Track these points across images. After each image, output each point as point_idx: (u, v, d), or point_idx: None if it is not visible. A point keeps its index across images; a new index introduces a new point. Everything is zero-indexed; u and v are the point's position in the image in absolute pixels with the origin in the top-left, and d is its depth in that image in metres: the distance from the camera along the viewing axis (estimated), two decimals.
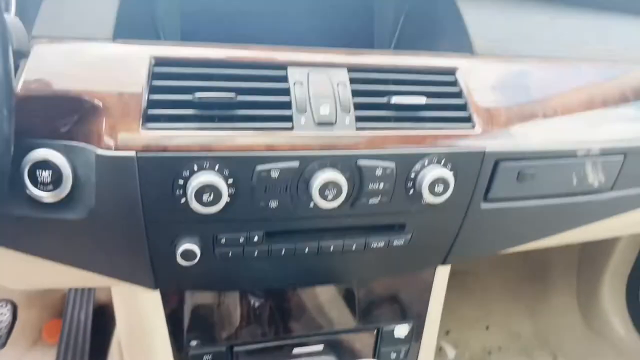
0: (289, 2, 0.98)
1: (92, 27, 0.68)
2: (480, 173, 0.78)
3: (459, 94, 0.79)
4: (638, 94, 0.93)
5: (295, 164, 0.68)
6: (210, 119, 0.67)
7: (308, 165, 0.69)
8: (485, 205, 0.82)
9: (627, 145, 0.87)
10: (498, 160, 0.79)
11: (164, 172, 0.64)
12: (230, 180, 0.67)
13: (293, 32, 0.99)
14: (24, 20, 0.69)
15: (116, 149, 0.62)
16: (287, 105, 0.70)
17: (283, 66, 0.72)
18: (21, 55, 0.56)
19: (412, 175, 0.74)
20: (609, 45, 0.95)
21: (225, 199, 0.65)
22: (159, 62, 0.68)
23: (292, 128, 0.69)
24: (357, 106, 0.73)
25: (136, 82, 0.65)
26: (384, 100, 0.75)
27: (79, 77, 0.64)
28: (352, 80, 0.74)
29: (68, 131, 0.64)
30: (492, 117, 0.79)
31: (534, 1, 0.92)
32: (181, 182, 0.65)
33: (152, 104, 0.65)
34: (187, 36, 0.92)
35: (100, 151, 0.63)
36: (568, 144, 0.83)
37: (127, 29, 0.73)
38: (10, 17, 0.47)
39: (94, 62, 0.65)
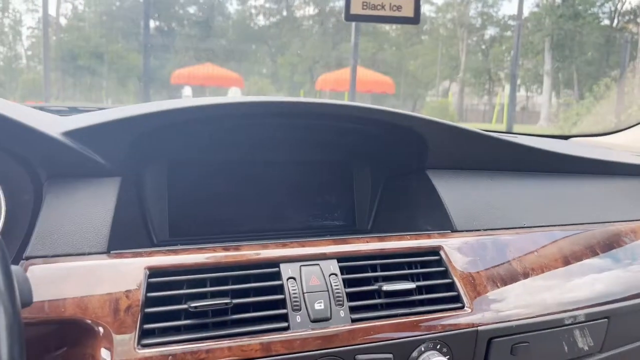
0: (273, 181, 1.03)
1: (87, 241, 0.69)
2: (475, 352, 0.79)
3: (445, 273, 0.82)
4: (606, 248, 0.98)
5: None
6: (205, 327, 0.67)
7: None
8: None
9: (609, 307, 0.90)
10: (491, 338, 0.79)
11: None
12: None
13: (277, 208, 1.03)
14: (11, 239, 0.71)
15: None
16: (282, 304, 0.71)
17: (275, 263, 0.74)
18: (25, 305, 0.56)
19: None
20: (576, 208, 1.02)
21: None
22: (154, 273, 0.68)
23: (288, 327, 0.69)
24: (350, 297, 0.75)
25: (132, 297, 0.65)
26: (375, 287, 0.76)
27: (74, 299, 0.63)
28: (343, 271, 0.77)
29: (61, 356, 0.62)
30: (477, 287, 0.82)
31: (503, 174, 1.00)
32: None
33: (147, 318, 0.65)
34: (175, 223, 0.95)
35: None
36: (553, 307, 0.86)
37: (120, 232, 0.74)
38: (16, 269, 0.47)
39: (90, 281, 0.65)
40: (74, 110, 1.22)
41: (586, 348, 0.89)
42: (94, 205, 0.72)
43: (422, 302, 0.79)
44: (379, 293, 0.77)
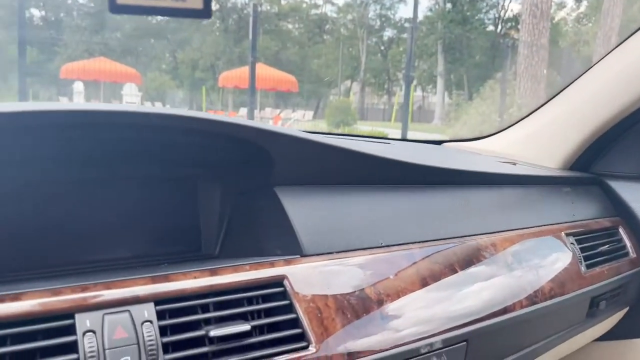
0: (102, 202, 0.87)
1: None
2: None
3: (289, 308, 0.72)
4: (465, 265, 0.94)
5: None
6: None
7: None
8: None
9: (467, 330, 0.85)
10: None
11: None
12: None
13: (108, 234, 0.87)
14: None
15: None
16: None
17: (69, 314, 0.59)
18: None
19: None
20: (436, 222, 0.97)
21: None
22: None
23: None
24: (170, 348, 0.62)
25: None
26: (201, 333, 0.64)
27: None
28: (161, 315, 0.63)
29: None
30: (324, 322, 0.73)
31: (359, 188, 0.92)
32: None
33: None
34: None
35: None
36: (408, 337, 0.79)
37: None
38: None
39: None
40: None
41: None
42: None
43: (261, 345, 0.68)
44: (208, 339, 0.65)
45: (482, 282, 0.93)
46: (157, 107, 0.71)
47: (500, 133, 1.66)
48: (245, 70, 16.52)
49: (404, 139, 1.56)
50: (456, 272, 0.91)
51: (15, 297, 0.59)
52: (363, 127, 17.42)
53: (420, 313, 0.82)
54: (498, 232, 1.03)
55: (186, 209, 0.93)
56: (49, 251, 0.81)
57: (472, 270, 0.93)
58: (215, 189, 0.94)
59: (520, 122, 1.61)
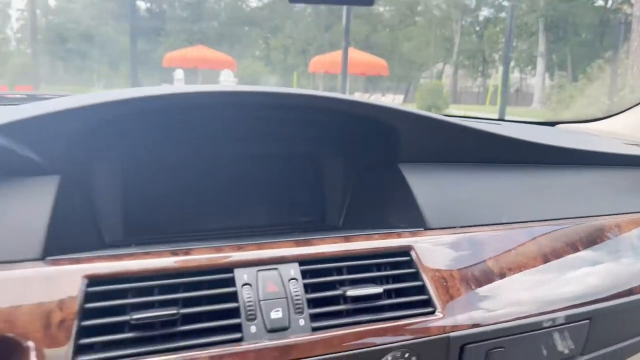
0: (237, 176, 0.97)
1: (18, 247, 0.63)
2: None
3: (415, 275, 0.77)
4: (589, 245, 0.93)
5: None
6: (152, 340, 0.61)
7: None
8: None
9: (591, 308, 0.85)
10: (464, 344, 0.74)
11: None
12: None
13: (241, 205, 0.97)
14: None
15: None
16: (235, 313, 0.65)
17: (229, 268, 0.68)
18: None
19: None
20: (558, 202, 0.97)
21: None
22: (93, 281, 0.62)
23: (241, 339, 0.64)
24: (311, 303, 0.69)
25: (66, 309, 0.59)
26: (339, 292, 0.71)
27: (1, 310, 0.57)
28: (304, 274, 0.71)
29: None
30: (449, 290, 0.77)
31: (481, 167, 0.94)
32: None
33: (84, 331, 0.59)
34: (130, 222, 0.88)
35: None
36: (530, 310, 0.81)
37: (62, 235, 0.68)
38: None
39: (19, 292, 0.59)
40: (32, 98, 1.15)
41: (566, 351, 0.84)
42: (27, 208, 0.66)
43: (390, 307, 0.73)
44: (344, 298, 0.71)
45: (606, 262, 0.92)
46: (289, 88, 0.78)
47: (619, 115, 1.58)
48: (335, 55, 16.60)
49: (515, 121, 1.53)
50: (578, 250, 0.91)
51: (187, 252, 0.69)
52: (455, 111, 16.93)
53: (543, 288, 0.84)
54: (623, 213, 1.01)
55: (312, 183, 1.01)
56: (201, 217, 0.92)
57: (596, 249, 0.92)
58: (339, 165, 1.01)
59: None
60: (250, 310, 0.65)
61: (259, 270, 0.69)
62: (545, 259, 0.87)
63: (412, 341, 0.71)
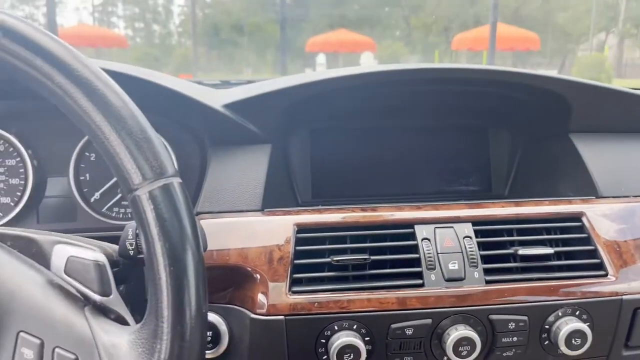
0: (408, 146, 1.06)
1: (244, 200, 0.80)
2: (619, 322, 0.76)
3: (587, 240, 0.80)
4: None
5: (428, 321, 0.72)
6: (346, 279, 0.74)
7: (440, 321, 0.72)
8: (627, 352, 0.79)
9: None
10: (637, 308, 0.76)
11: (308, 333, 0.70)
12: (367, 339, 0.71)
13: (412, 173, 1.07)
14: None
15: (267, 313, 0.70)
16: (417, 263, 0.75)
17: (410, 224, 0.78)
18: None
19: (547, 327, 0.74)
20: None
21: (363, 356, 0.70)
22: (301, 229, 0.76)
23: (422, 285, 0.73)
24: (485, 259, 0.76)
25: (283, 249, 0.74)
26: (510, 251, 0.77)
27: (236, 250, 0.74)
28: (478, 234, 0.78)
29: (227, 296, 0.73)
30: (623, 255, 0.78)
31: None
32: (323, 341, 0.70)
33: (296, 268, 0.73)
34: (317, 186, 1.03)
35: (254, 315, 0.71)
36: None
37: (271, 193, 0.84)
38: (199, 223, 0.57)
39: (248, 235, 0.75)
40: (225, 84, 1.36)
41: None
42: (249, 169, 0.82)
43: (560, 268, 0.78)
44: (514, 257, 0.77)
45: None
46: (462, 64, 0.85)
47: None
48: (479, 31, 15.84)
49: None
50: None
51: (373, 209, 0.80)
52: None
53: None
54: None
55: (478, 154, 1.06)
56: (377, 184, 1.04)
57: None
58: (506, 137, 1.05)
59: None
60: (430, 260, 0.75)
61: (436, 227, 0.78)
62: None
63: (583, 300, 0.75)
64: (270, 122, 0.85)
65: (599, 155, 0.89)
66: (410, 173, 1.06)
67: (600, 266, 0.78)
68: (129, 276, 0.62)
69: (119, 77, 0.50)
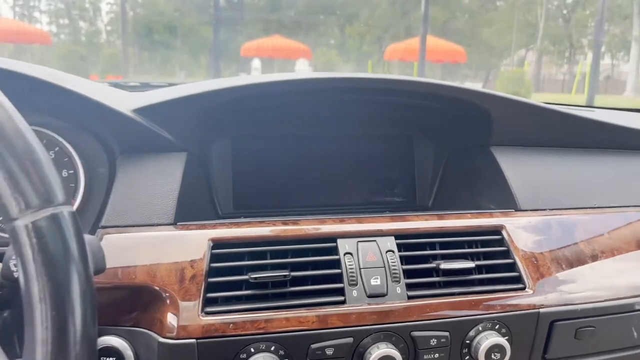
0: (333, 156, 1.04)
1: (155, 213, 0.74)
2: (536, 335, 0.77)
3: (506, 253, 0.80)
4: None
5: (349, 340, 0.69)
6: (265, 297, 0.70)
7: (362, 340, 0.70)
8: None
9: None
10: (553, 320, 0.77)
11: (222, 357, 0.65)
12: None
13: (338, 183, 1.04)
14: (89, 209, 0.76)
15: (177, 337, 0.65)
16: (339, 279, 0.72)
17: (333, 238, 0.75)
18: (98, 272, 0.60)
19: (467, 342, 0.74)
20: None
21: None
22: (217, 244, 0.71)
23: (344, 302, 0.71)
24: (407, 274, 0.75)
25: (196, 266, 0.69)
26: (433, 265, 0.76)
27: (144, 267, 0.68)
28: (400, 248, 0.77)
29: (132, 318, 0.67)
30: (540, 268, 0.79)
31: (573, 151, 0.95)
32: None
33: (211, 287, 0.68)
34: (239, 197, 0.98)
35: (162, 339, 0.65)
36: (622, 292, 0.82)
37: (187, 205, 0.78)
38: (90, 238, 0.51)
39: (158, 250, 0.69)
40: (146, 86, 1.28)
41: None
42: (162, 179, 0.76)
43: (481, 282, 0.78)
44: (436, 271, 0.76)
45: None
46: (388, 75, 0.84)
47: None
48: (411, 42, 16.35)
49: (609, 108, 1.49)
50: None
51: (295, 222, 0.76)
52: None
53: (636, 272, 0.84)
54: None
55: (403, 165, 1.06)
56: (301, 195, 1.01)
57: None
58: (430, 147, 1.05)
59: None
60: (352, 276, 0.72)
61: (359, 241, 0.76)
62: (638, 242, 0.87)
63: (502, 314, 0.75)
64: (185, 128, 0.80)
65: (518, 169, 0.90)
66: (336, 184, 1.03)
67: (518, 279, 0.78)
68: (15, 300, 0.55)
69: (8, 77, 0.43)
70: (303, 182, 1.02)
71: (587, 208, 0.90)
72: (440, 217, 0.82)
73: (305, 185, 1.02)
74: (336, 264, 0.74)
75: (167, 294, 0.67)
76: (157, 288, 0.67)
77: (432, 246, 0.79)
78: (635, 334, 0.82)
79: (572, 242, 0.84)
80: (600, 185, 0.93)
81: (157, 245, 0.70)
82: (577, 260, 0.82)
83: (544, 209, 0.88)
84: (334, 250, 0.75)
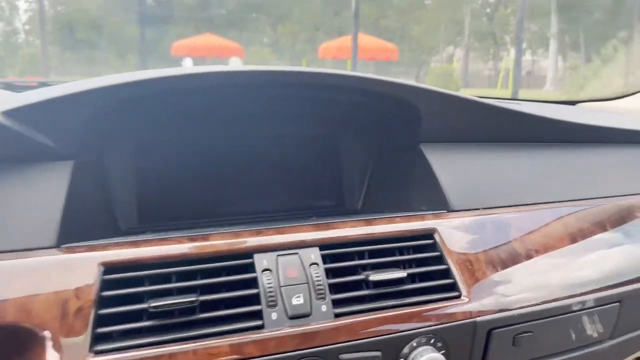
0: (252, 159, 0.95)
1: (33, 235, 0.62)
2: (473, 346, 0.72)
3: (439, 259, 0.74)
4: (618, 224, 0.90)
5: None
6: (169, 328, 0.60)
7: None
8: None
9: (621, 290, 0.82)
10: (491, 329, 0.72)
11: None
12: None
13: (258, 189, 0.95)
14: None
15: None
16: (256, 300, 0.63)
17: (249, 254, 0.66)
18: None
19: None
20: (585, 181, 0.93)
21: None
22: (109, 269, 0.61)
23: (262, 326, 0.62)
24: (333, 289, 0.67)
25: (83, 297, 0.58)
26: (361, 277, 0.69)
27: (16, 302, 0.56)
28: (326, 259, 0.69)
29: None
30: (475, 273, 0.74)
31: (505, 146, 0.91)
32: None
33: (101, 320, 0.57)
34: (145, 209, 0.87)
35: None
36: (559, 292, 0.78)
37: (77, 222, 0.67)
38: None
39: (35, 280, 0.58)
40: (42, 86, 1.13)
41: (595, 335, 0.81)
42: (40, 194, 0.64)
43: (414, 292, 0.71)
44: (366, 283, 0.69)
45: (636, 242, 0.89)
46: (308, 68, 0.76)
47: None
48: (343, 40, 16.44)
49: (535, 100, 1.49)
50: (607, 230, 0.88)
51: (204, 238, 0.67)
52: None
53: (571, 270, 0.81)
54: None
55: (330, 166, 0.98)
56: (217, 203, 0.91)
57: (625, 229, 0.89)
58: (358, 147, 0.98)
59: None
60: (270, 296, 0.63)
61: (278, 255, 0.67)
62: (573, 240, 0.84)
63: (437, 327, 0.69)
64: (69, 133, 0.67)
65: (449, 167, 0.84)
66: (257, 190, 0.94)
67: (453, 287, 0.73)
68: None
69: None
70: (218, 189, 0.92)
71: (520, 205, 0.86)
72: (368, 223, 0.75)
73: (221, 192, 0.92)
74: (253, 283, 0.65)
75: (46, 333, 0.55)
76: (32, 326, 0.55)
77: (360, 255, 0.72)
78: (573, 336, 0.79)
79: (506, 242, 0.79)
80: (531, 181, 0.90)
81: (33, 274, 0.58)
82: (512, 261, 0.78)
83: (477, 209, 0.83)
84: (250, 267, 0.66)
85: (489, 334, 0.72)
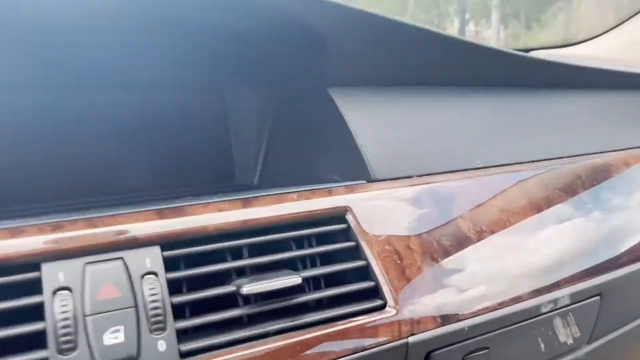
0: (105, 123, 0.67)
1: None
2: None
3: (354, 252, 0.51)
4: (592, 188, 0.69)
5: None
6: None
7: None
8: None
9: (601, 280, 0.61)
10: (430, 352, 0.49)
11: None
12: None
13: (114, 162, 0.68)
14: None
15: None
16: (40, 341, 0.37)
17: (33, 264, 0.40)
18: None
19: None
20: (549, 136, 0.72)
21: None
22: None
23: None
24: (180, 312, 0.42)
25: None
26: (230, 289, 0.44)
27: None
28: (171, 265, 0.43)
29: None
30: (405, 270, 0.51)
31: (440, 91, 0.67)
32: None
33: None
34: None
35: None
36: (522, 288, 0.56)
37: None
38: None
39: None
40: None
41: (570, 341, 0.61)
42: None
43: (316, 306, 0.48)
44: (243, 298, 0.45)
45: (615, 210, 0.68)
46: None
47: (596, 39, 1.37)
48: None
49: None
50: (580, 198, 0.67)
51: None
52: None
53: (537, 255, 0.59)
54: (632, 148, 0.77)
55: (214, 126, 0.71)
56: (60, 183, 0.63)
57: (600, 195, 0.69)
58: (249, 98, 0.71)
59: (621, 26, 1.32)
60: (65, 333, 0.38)
61: (87, 264, 0.41)
62: (537, 211, 0.63)
63: (352, 356, 0.45)
64: None
65: (369, 119, 0.60)
66: (112, 163, 0.66)
67: (374, 292, 0.49)
68: None
69: None
70: (62, 166, 0.63)
71: (468, 170, 0.63)
72: (246, 204, 0.49)
73: (65, 170, 0.64)
74: (36, 312, 0.38)
75: None
76: None
77: (234, 254, 0.47)
78: (542, 345, 0.57)
79: (449, 220, 0.57)
80: (482, 137, 0.67)
81: None
82: (456, 247, 0.56)
83: (409, 176, 0.59)
84: (35, 286, 0.39)
85: (427, 357, 0.49)
